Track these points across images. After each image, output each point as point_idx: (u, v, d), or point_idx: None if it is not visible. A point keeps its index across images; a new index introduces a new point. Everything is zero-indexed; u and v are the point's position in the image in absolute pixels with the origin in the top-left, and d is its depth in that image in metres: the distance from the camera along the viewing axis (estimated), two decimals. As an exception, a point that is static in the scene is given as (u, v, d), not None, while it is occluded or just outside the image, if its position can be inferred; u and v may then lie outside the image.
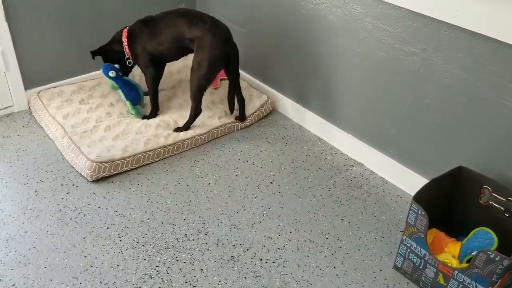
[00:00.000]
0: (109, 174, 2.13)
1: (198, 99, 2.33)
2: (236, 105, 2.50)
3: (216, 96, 2.67)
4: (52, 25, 2.51)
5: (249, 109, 2.58)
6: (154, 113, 2.48)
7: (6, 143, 2.33)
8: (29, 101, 2.58)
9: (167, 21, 2.33)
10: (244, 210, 2.02)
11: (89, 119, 2.39)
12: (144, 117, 2.46)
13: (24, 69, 2.51)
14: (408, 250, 1.68)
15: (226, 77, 2.77)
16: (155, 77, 2.44)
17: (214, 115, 2.50)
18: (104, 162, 2.11)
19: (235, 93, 2.45)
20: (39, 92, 2.55)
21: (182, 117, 2.45)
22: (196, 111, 2.36)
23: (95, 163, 2.09)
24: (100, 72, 2.76)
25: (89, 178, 2.10)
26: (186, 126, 2.38)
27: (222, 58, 2.27)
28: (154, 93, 2.46)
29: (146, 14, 2.79)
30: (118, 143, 2.23)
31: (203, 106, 2.40)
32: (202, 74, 2.25)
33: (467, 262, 1.63)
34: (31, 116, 2.54)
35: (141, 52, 2.41)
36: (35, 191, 2.06)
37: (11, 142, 2.34)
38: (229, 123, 2.48)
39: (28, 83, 2.56)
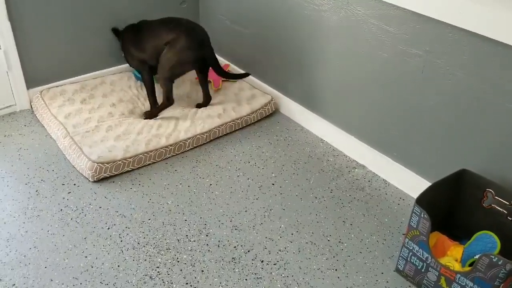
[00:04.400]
0: (110, 174, 2.13)
1: (167, 87, 2.40)
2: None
3: (215, 95, 2.67)
4: (54, 24, 2.51)
5: (252, 107, 2.57)
6: (152, 112, 2.46)
7: (7, 142, 2.33)
8: (31, 100, 2.58)
9: (150, 30, 2.46)
10: (246, 211, 2.01)
11: (91, 119, 2.39)
12: (145, 114, 2.47)
13: (26, 68, 2.51)
14: (410, 253, 1.67)
15: (227, 79, 2.79)
16: (145, 76, 2.53)
17: (213, 113, 2.49)
18: (106, 163, 2.10)
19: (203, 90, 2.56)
20: (41, 91, 2.55)
21: (184, 116, 2.45)
22: (167, 102, 2.43)
23: (96, 164, 2.08)
24: (101, 71, 2.77)
25: (90, 179, 2.10)
26: (154, 113, 2.45)
27: (193, 60, 2.38)
28: (149, 91, 2.51)
29: (148, 13, 2.80)
30: (120, 143, 2.23)
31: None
32: (170, 66, 2.36)
33: (470, 265, 1.62)
34: (33, 115, 2.53)
35: (129, 54, 2.59)
36: (36, 191, 2.05)
37: (12, 141, 2.34)
38: (229, 122, 2.48)
39: (30, 82, 2.56)
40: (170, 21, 2.42)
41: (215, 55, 2.48)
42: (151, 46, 2.42)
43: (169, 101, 2.42)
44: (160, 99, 2.48)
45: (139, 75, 2.66)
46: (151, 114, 2.45)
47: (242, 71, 2.88)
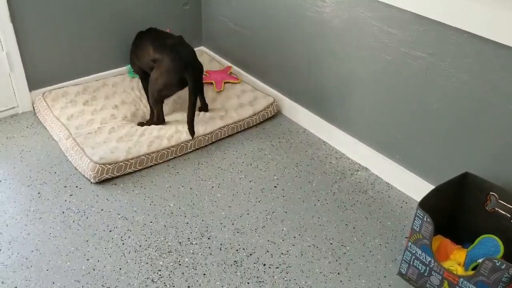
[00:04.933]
0: (112, 176, 2.13)
1: (157, 108, 2.39)
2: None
3: (217, 97, 2.66)
4: (56, 26, 2.51)
5: (254, 109, 2.57)
6: (146, 123, 2.45)
7: (10, 144, 2.33)
8: (33, 102, 2.58)
9: (143, 41, 2.47)
10: (248, 214, 2.01)
11: (94, 121, 2.39)
12: (141, 124, 2.45)
13: (28, 70, 2.51)
14: (413, 256, 1.66)
15: (230, 81, 2.78)
16: (143, 83, 2.57)
17: (215, 115, 2.49)
18: (108, 164, 2.10)
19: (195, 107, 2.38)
20: (43, 93, 2.55)
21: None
22: (158, 121, 2.40)
23: (98, 165, 2.08)
24: (103, 73, 2.77)
25: (92, 180, 2.09)
26: (148, 125, 2.43)
27: (177, 83, 2.32)
28: (147, 98, 2.50)
29: (150, 15, 2.80)
30: (122, 145, 2.22)
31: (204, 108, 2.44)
32: (157, 90, 2.33)
33: (473, 269, 1.61)
34: (35, 117, 2.54)
35: (132, 59, 2.59)
36: (38, 193, 2.05)
37: (15, 143, 2.34)
38: (231, 124, 2.47)
39: (33, 84, 2.56)
40: (158, 39, 2.38)
41: (201, 81, 2.41)
42: (144, 58, 2.43)
43: (159, 120, 2.40)
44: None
45: (132, 73, 2.75)
46: (143, 124, 2.45)
47: (246, 73, 2.88)
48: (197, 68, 2.35)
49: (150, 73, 2.39)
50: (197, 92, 2.31)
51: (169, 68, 2.27)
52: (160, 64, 2.29)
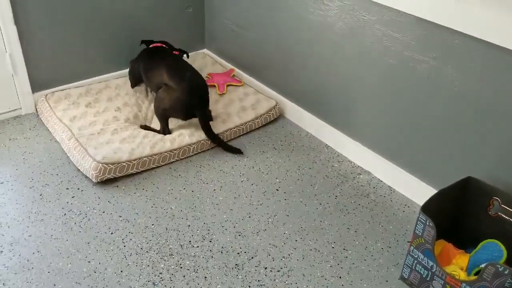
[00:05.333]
0: (114, 176, 2.12)
1: (162, 123, 2.39)
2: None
3: (220, 99, 2.66)
4: (60, 29, 2.52)
5: (257, 112, 2.57)
6: (160, 132, 2.44)
7: (12, 146, 2.34)
8: (36, 104, 2.58)
9: (156, 63, 2.44)
10: (249, 217, 2.00)
11: (96, 122, 2.39)
12: (144, 127, 2.45)
13: (31, 72, 2.52)
14: (415, 261, 1.65)
15: (232, 83, 2.78)
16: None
17: (218, 119, 2.49)
18: (110, 164, 2.10)
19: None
20: (46, 95, 2.56)
21: (192, 126, 2.45)
22: (163, 133, 2.39)
23: (101, 164, 2.08)
24: (106, 75, 2.77)
25: (94, 179, 2.09)
26: (153, 131, 2.42)
27: (184, 113, 2.36)
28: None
29: (154, 17, 2.80)
30: (125, 146, 2.23)
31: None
32: (162, 108, 2.34)
33: (475, 274, 1.60)
34: (38, 119, 2.54)
35: (132, 65, 2.63)
36: (40, 195, 2.05)
37: (17, 145, 2.34)
38: (234, 128, 2.47)
39: (36, 86, 2.57)
40: (173, 65, 2.39)
41: (209, 117, 2.42)
42: (154, 79, 2.42)
43: (164, 133, 2.39)
44: None
45: None
46: (146, 127, 2.45)
47: (248, 76, 2.88)
48: (207, 102, 2.38)
49: (155, 90, 2.43)
50: (206, 120, 2.35)
51: (181, 100, 2.31)
52: (172, 91, 2.31)
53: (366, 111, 2.23)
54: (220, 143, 2.37)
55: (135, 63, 2.61)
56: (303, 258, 1.83)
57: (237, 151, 2.37)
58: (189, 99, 2.31)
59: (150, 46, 2.62)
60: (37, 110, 2.57)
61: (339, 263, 1.81)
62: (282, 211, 2.05)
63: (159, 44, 2.62)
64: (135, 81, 2.68)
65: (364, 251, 1.87)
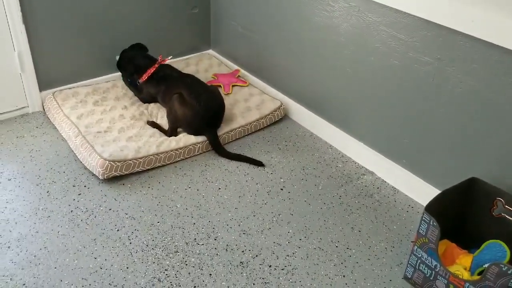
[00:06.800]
0: (120, 173, 2.14)
1: (172, 126, 2.40)
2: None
3: (225, 99, 2.68)
4: (68, 28, 2.54)
5: (261, 112, 2.58)
6: (167, 133, 2.45)
7: (19, 144, 2.36)
8: (43, 102, 2.61)
9: (175, 84, 2.43)
10: (254, 216, 2.02)
11: (103, 120, 2.41)
12: (151, 123, 2.47)
13: (39, 70, 2.54)
14: (419, 260, 1.66)
15: (238, 84, 2.80)
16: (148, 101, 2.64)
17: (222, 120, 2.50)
18: (117, 161, 2.12)
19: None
20: (53, 93, 2.58)
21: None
22: (170, 135, 2.40)
23: (107, 162, 2.10)
24: (113, 75, 2.79)
25: (100, 177, 2.11)
26: (160, 130, 2.44)
27: (193, 130, 2.37)
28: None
29: (160, 18, 2.82)
30: (132, 144, 2.25)
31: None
32: (175, 118, 2.36)
33: (479, 274, 1.61)
34: (45, 117, 2.56)
35: (146, 91, 2.58)
36: (47, 192, 2.07)
37: (24, 143, 2.37)
38: (238, 128, 2.48)
39: (43, 85, 2.59)
40: (191, 85, 2.40)
41: (218, 140, 2.38)
42: (169, 98, 2.40)
43: (170, 136, 2.39)
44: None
45: None
46: (154, 123, 2.47)
47: (254, 77, 2.89)
48: (219, 123, 2.42)
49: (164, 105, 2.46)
50: (215, 141, 2.36)
51: (189, 122, 2.34)
52: (185, 106, 2.31)
53: (370, 112, 2.24)
54: (239, 158, 2.34)
55: (144, 87, 2.56)
56: (307, 257, 1.84)
57: (258, 163, 2.32)
58: (198, 122, 2.33)
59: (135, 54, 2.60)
60: (44, 108, 2.59)
61: (343, 262, 1.82)
62: (286, 210, 2.06)
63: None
64: (150, 101, 2.64)
65: (367, 250, 1.88)
